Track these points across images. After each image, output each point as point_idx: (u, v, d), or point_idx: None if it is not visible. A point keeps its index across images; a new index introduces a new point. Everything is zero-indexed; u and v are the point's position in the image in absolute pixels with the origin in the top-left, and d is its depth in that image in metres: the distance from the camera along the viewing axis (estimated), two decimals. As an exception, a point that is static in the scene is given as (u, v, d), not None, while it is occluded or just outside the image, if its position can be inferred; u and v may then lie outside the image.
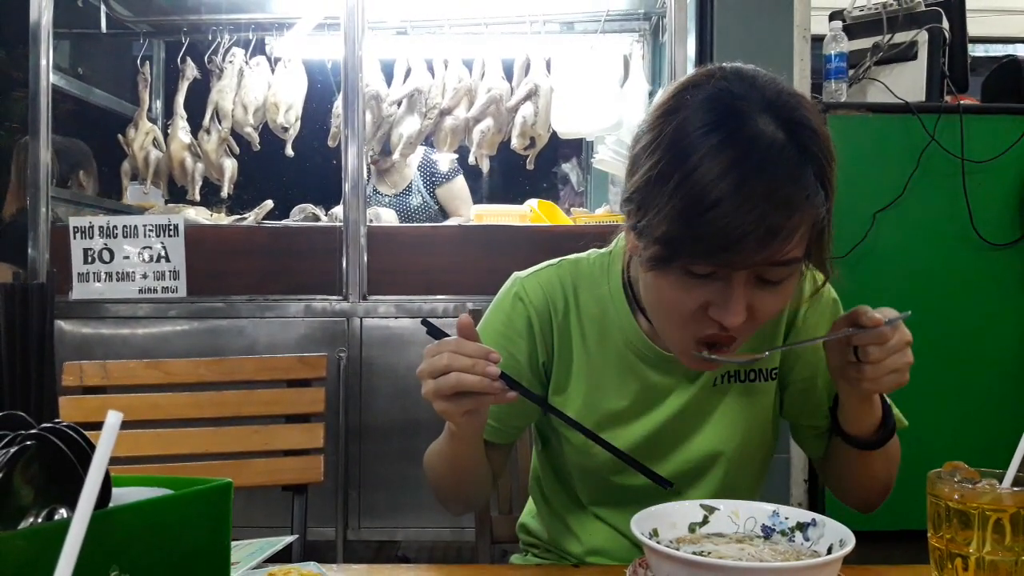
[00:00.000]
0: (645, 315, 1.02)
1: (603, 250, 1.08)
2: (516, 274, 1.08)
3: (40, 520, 0.62)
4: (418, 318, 2.56)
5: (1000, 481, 0.78)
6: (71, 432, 0.60)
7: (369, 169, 3.14)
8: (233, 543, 0.78)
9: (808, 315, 1.05)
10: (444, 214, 3.38)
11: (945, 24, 2.49)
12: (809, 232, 0.84)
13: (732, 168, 0.79)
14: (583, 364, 1.05)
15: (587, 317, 1.04)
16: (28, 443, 0.59)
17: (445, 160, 3.36)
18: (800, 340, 1.03)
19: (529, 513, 1.20)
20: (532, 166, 3.23)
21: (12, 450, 0.58)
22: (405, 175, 3.36)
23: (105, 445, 0.44)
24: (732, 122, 0.81)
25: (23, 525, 0.61)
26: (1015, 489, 0.77)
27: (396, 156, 3.11)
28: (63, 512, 0.62)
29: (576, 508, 1.11)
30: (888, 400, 1.01)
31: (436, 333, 0.88)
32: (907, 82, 2.49)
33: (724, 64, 0.88)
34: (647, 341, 1.03)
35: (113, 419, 0.44)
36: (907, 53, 2.50)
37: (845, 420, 0.99)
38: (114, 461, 0.62)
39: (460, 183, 3.40)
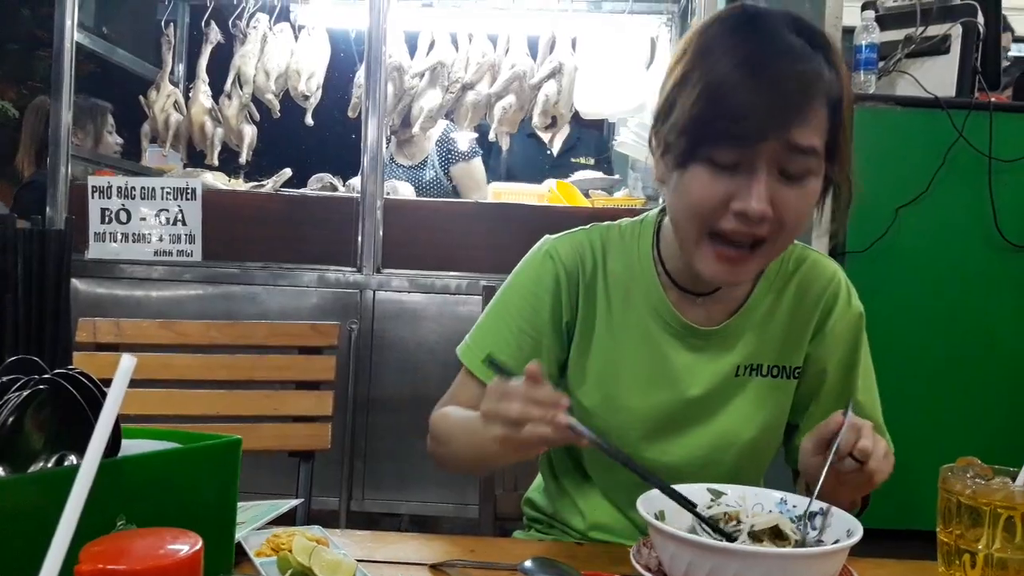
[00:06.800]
0: (673, 281, 1.04)
1: (635, 219, 1.09)
2: (547, 236, 1.10)
3: (50, 466, 0.62)
4: (431, 293, 2.55)
5: (1014, 479, 0.77)
6: (83, 379, 0.60)
7: (388, 139, 3.13)
8: (238, 504, 0.78)
9: (836, 325, 1.06)
10: (456, 192, 3.37)
11: (980, 19, 2.44)
12: (826, 122, 0.88)
13: (749, 58, 0.86)
14: (605, 328, 1.05)
15: (613, 281, 1.06)
16: (40, 387, 0.59)
17: (464, 138, 3.33)
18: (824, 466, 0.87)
19: (536, 488, 1.21)
20: (554, 148, 3.21)
21: (24, 393, 0.58)
22: (423, 148, 3.35)
23: (117, 389, 0.44)
24: (750, 26, 0.90)
25: (32, 469, 0.62)
26: (1029, 487, 0.76)
27: (416, 129, 3.09)
28: (73, 459, 0.62)
29: (583, 481, 1.12)
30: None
31: (502, 372, 0.86)
32: (937, 76, 2.44)
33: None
34: (672, 310, 1.03)
35: (127, 363, 0.43)
36: (939, 47, 2.45)
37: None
38: (124, 419, 0.62)
39: (477, 164, 3.38)
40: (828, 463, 0.85)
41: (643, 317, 1.04)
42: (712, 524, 0.82)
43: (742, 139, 0.86)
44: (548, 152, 3.50)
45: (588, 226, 1.09)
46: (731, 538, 0.81)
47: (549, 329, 1.05)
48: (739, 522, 0.83)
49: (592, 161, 3.53)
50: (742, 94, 0.85)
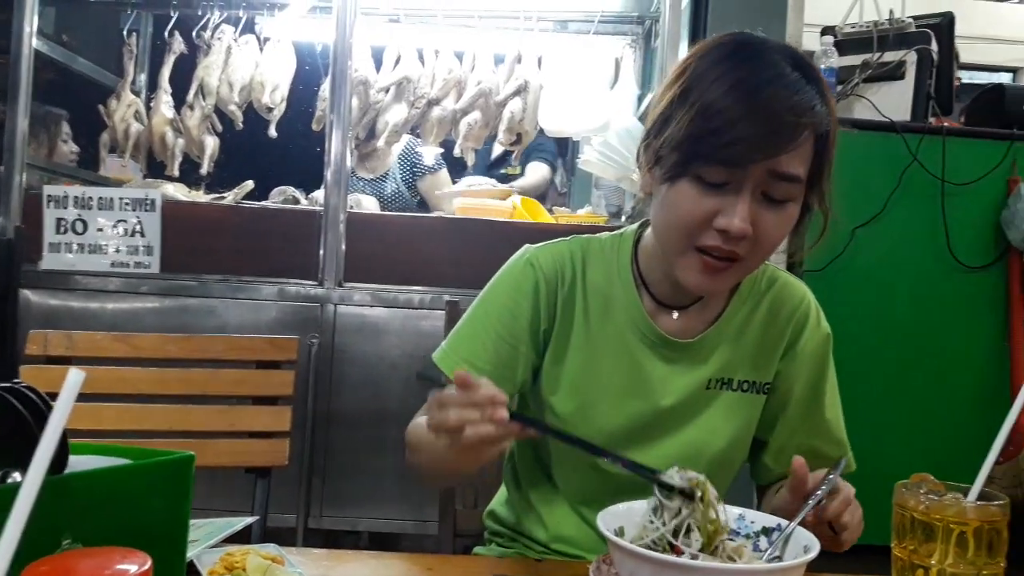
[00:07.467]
0: (650, 292, 1.06)
1: (615, 232, 1.12)
2: (528, 245, 1.12)
3: (-8, 483, 0.60)
4: (393, 307, 2.53)
5: (965, 495, 0.79)
6: (29, 392, 0.58)
7: (352, 152, 3.11)
8: (191, 522, 0.76)
9: (806, 345, 1.09)
10: (421, 205, 3.38)
11: (934, 46, 2.52)
12: (812, 151, 0.92)
13: (744, 83, 0.89)
14: (582, 337, 1.07)
15: (592, 292, 1.07)
16: (-17, 402, 0.57)
17: (428, 152, 3.34)
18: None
19: (499, 500, 1.21)
20: (517, 162, 3.22)
21: (-34, 408, 0.56)
22: (386, 162, 3.34)
23: (64, 404, 0.43)
24: (746, 52, 0.93)
25: (-27, 487, 0.59)
26: (979, 503, 0.77)
27: (381, 143, 3.08)
28: (17, 476, 0.60)
29: (547, 492, 1.12)
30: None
31: (433, 381, 0.87)
32: (893, 101, 2.52)
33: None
34: (648, 321, 1.05)
35: (74, 378, 0.42)
36: (895, 72, 2.53)
37: None
38: (74, 434, 0.60)
39: (444, 176, 3.39)
40: (800, 516, 0.86)
41: (620, 327, 1.06)
42: (669, 486, 0.81)
43: (732, 161, 0.89)
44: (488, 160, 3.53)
45: (569, 237, 1.11)
46: (689, 495, 0.81)
47: (527, 336, 1.06)
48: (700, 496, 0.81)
49: (519, 170, 3.56)
50: (736, 118, 0.88)
